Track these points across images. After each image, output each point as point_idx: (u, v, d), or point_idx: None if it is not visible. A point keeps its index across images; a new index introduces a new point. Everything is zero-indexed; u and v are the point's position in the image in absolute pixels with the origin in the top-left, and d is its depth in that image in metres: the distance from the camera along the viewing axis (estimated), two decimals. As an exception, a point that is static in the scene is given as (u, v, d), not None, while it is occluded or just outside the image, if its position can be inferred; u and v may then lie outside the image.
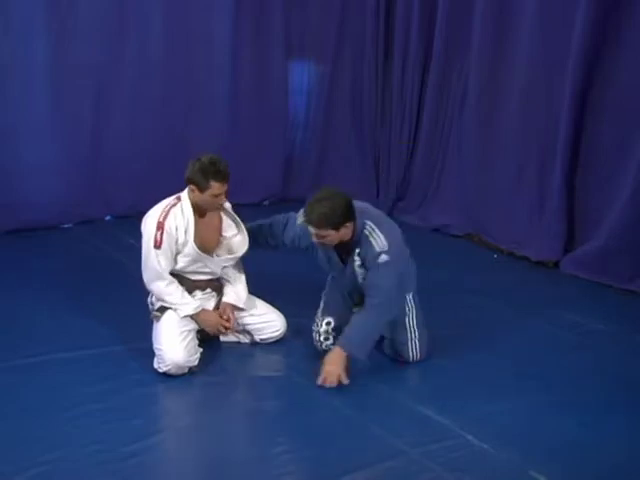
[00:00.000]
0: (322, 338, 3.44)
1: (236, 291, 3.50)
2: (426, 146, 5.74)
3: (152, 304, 3.42)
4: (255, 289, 3.59)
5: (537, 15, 4.74)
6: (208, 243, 3.41)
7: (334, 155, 6.28)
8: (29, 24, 4.94)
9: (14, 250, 4.85)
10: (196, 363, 3.29)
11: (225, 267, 3.50)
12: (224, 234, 3.49)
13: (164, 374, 3.20)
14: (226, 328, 3.44)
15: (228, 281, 3.53)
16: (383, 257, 3.13)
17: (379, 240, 3.15)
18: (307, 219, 3.16)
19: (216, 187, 3.22)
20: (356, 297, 3.44)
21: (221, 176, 3.22)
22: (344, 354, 3.13)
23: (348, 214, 3.13)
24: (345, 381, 3.10)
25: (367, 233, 3.17)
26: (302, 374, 3.18)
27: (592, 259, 4.58)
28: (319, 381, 3.10)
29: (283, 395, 3.17)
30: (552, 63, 4.71)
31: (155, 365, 3.24)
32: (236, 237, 3.49)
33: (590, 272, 4.57)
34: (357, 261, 3.23)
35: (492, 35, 5.07)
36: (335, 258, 3.33)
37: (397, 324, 3.37)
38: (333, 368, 3.10)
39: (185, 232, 3.28)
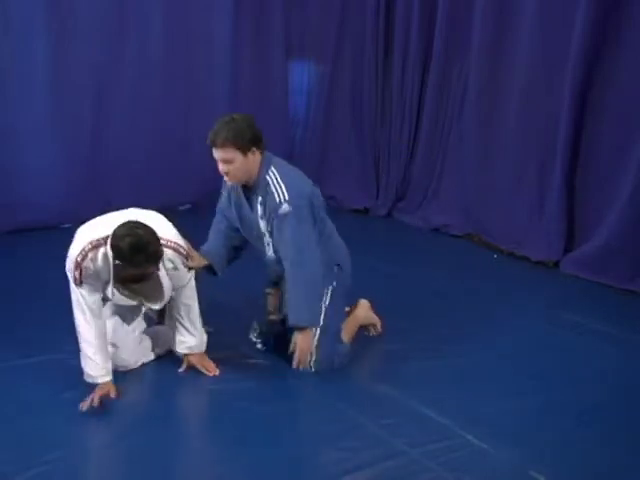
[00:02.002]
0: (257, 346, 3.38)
1: (190, 338, 3.18)
2: (426, 146, 5.74)
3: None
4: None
5: (537, 15, 4.74)
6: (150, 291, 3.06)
7: (334, 155, 6.29)
8: (29, 24, 4.95)
9: (14, 250, 4.86)
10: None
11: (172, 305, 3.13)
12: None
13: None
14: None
15: (179, 324, 3.16)
16: (284, 207, 2.97)
17: (280, 190, 3.00)
18: (212, 141, 3.05)
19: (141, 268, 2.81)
20: (272, 274, 3.32)
21: (146, 263, 2.77)
22: (306, 330, 3.11)
23: (255, 138, 3.03)
24: (313, 356, 3.15)
25: (269, 180, 3.03)
26: (300, 375, 3.18)
27: (592, 259, 4.58)
28: (294, 365, 3.17)
29: (282, 396, 3.16)
30: (552, 63, 4.71)
31: None
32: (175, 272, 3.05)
33: (590, 272, 4.57)
34: (259, 210, 3.08)
35: (492, 35, 5.07)
36: (246, 206, 3.16)
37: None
38: (304, 347, 3.11)
39: (106, 276, 2.92)
